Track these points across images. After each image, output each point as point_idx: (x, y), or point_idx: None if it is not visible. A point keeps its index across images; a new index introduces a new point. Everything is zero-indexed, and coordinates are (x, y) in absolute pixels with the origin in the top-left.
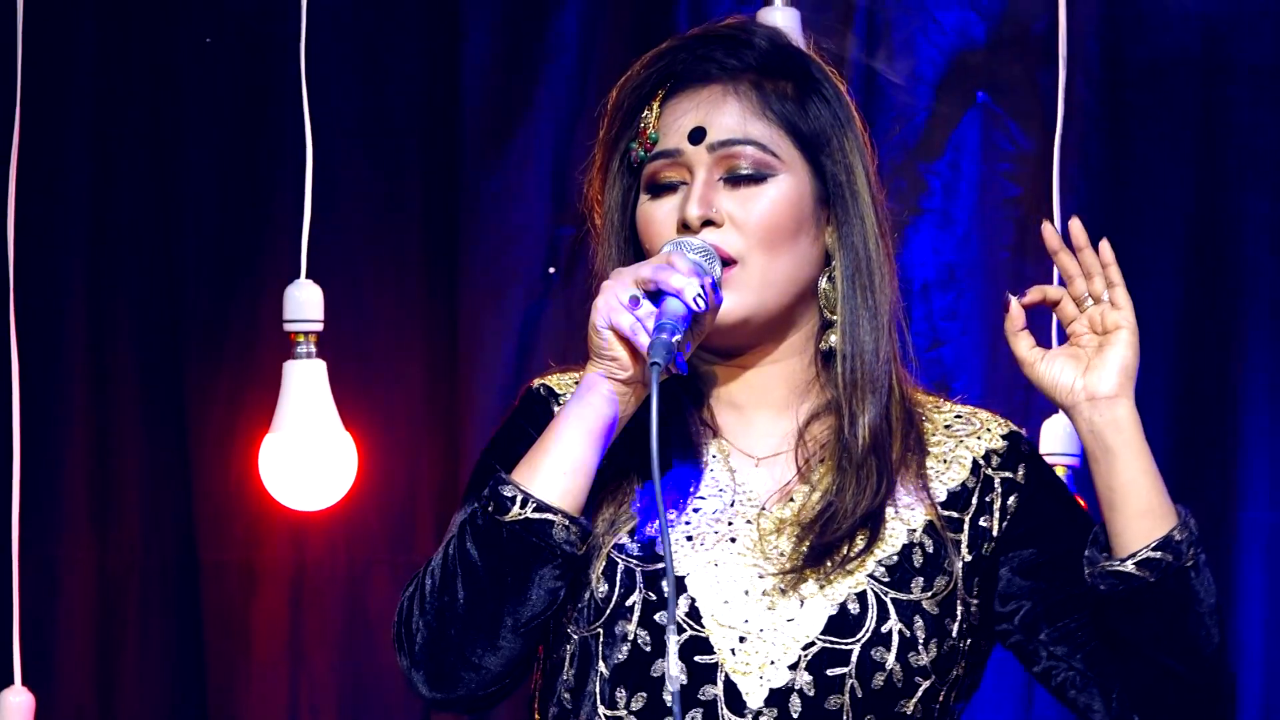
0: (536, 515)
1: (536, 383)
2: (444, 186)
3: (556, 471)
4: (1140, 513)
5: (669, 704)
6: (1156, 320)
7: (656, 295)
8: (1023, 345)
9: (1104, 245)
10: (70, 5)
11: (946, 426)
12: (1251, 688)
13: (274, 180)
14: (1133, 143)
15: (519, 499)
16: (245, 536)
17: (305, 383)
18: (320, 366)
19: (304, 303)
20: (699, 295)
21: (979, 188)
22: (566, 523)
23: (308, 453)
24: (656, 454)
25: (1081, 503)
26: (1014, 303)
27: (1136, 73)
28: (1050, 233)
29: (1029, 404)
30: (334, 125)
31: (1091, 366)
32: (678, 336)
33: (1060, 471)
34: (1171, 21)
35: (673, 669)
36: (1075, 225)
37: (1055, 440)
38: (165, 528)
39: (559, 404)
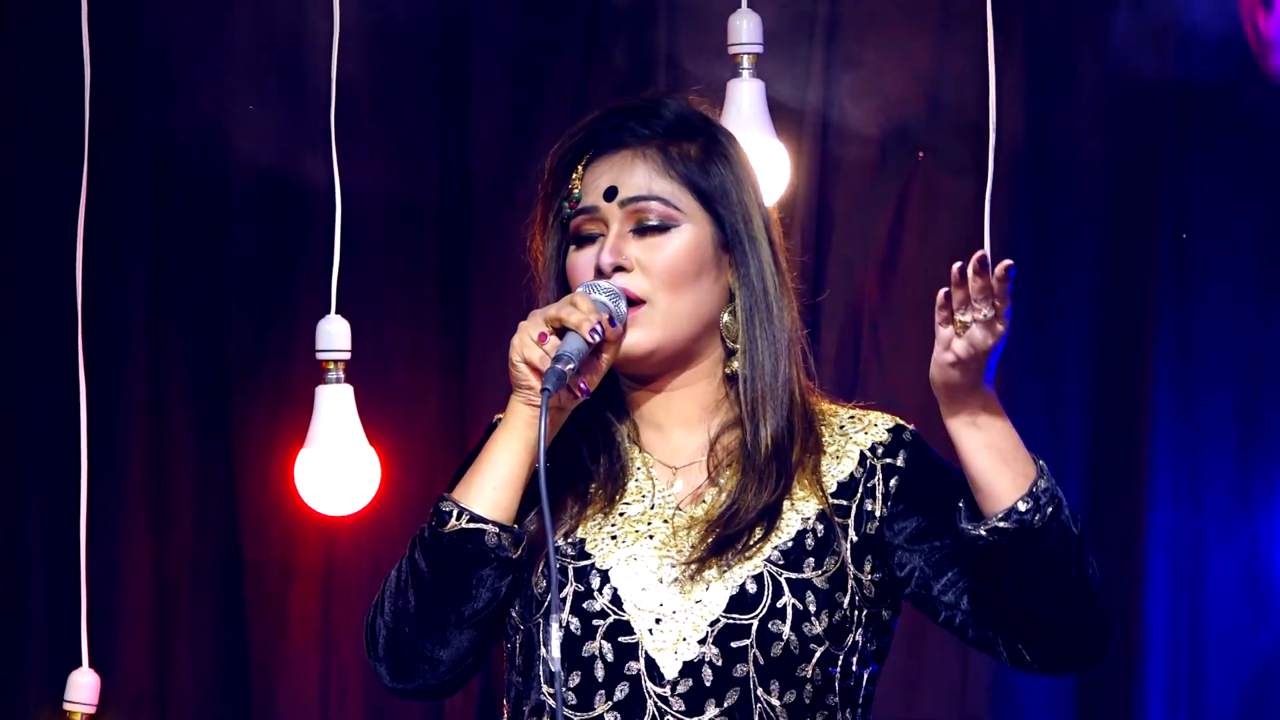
0: (471, 525)
1: (496, 417)
2: (456, 236)
3: (487, 487)
4: (981, 490)
5: (599, 680)
6: (1075, 344)
7: (563, 331)
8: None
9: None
10: (129, 72)
11: (840, 428)
12: (1156, 675)
13: (308, 229)
14: (1053, 194)
15: (455, 512)
16: (283, 538)
17: (335, 405)
18: (348, 391)
19: (334, 335)
20: (594, 330)
21: (921, 234)
22: (497, 530)
23: (337, 465)
24: (544, 467)
25: None
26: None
27: (1056, 133)
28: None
29: None
30: (361, 182)
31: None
32: (571, 365)
33: None
34: (1083, 85)
35: (555, 651)
36: (1001, 267)
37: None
38: (213, 531)
39: None
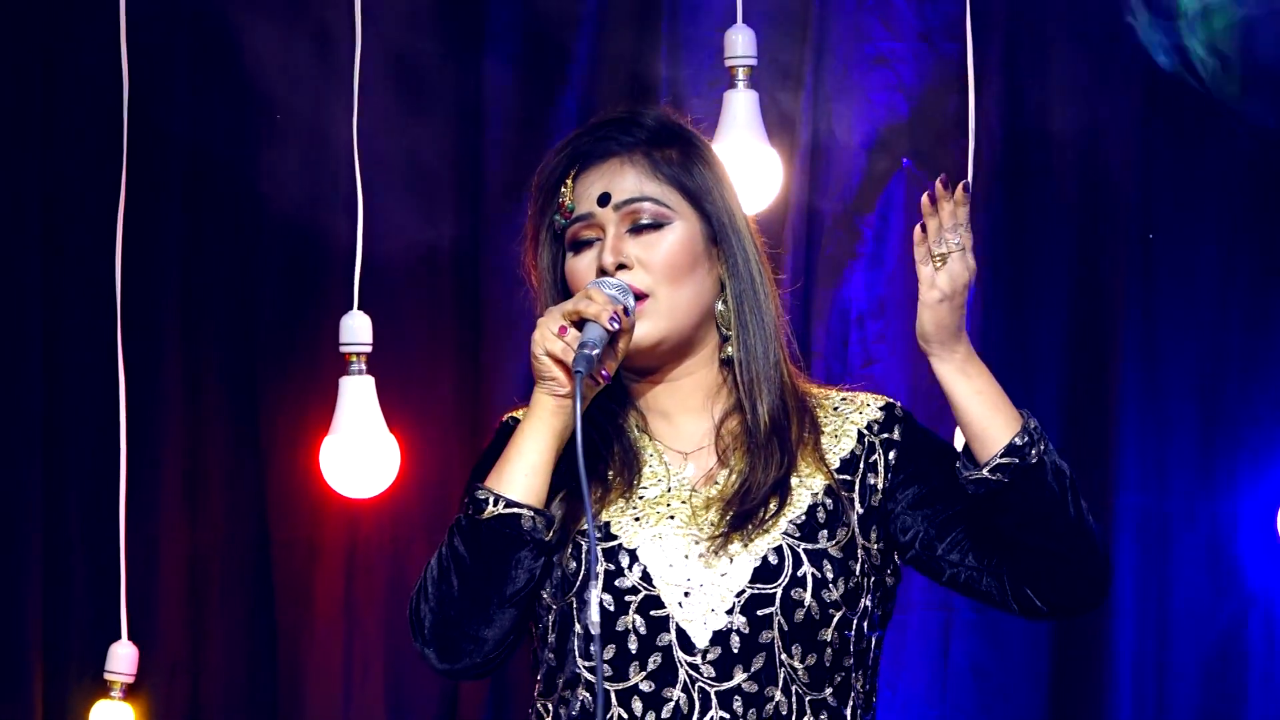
0: (507, 510)
1: (506, 416)
2: (470, 237)
3: (519, 474)
4: (979, 434)
5: (633, 652)
6: (1047, 338)
7: (581, 323)
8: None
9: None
10: (165, 85)
11: (835, 409)
12: (1125, 646)
13: (332, 229)
14: (1028, 197)
15: (491, 499)
16: (309, 519)
17: (357, 394)
18: (369, 381)
19: (356, 329)
20: (612, 318)
21: (904, 235)
22: (532, 514)
23: (359, 451)
24: (582, 446)
25: None
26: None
27: (1030, 142)
28: (939, 192)
29: (944, 411)
30: (381, 184)
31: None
32: (596, 350)
33: None
34: (1057, 97)
35: (594, 615)
36: (959, 190)
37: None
38: (244, 512)
39: None
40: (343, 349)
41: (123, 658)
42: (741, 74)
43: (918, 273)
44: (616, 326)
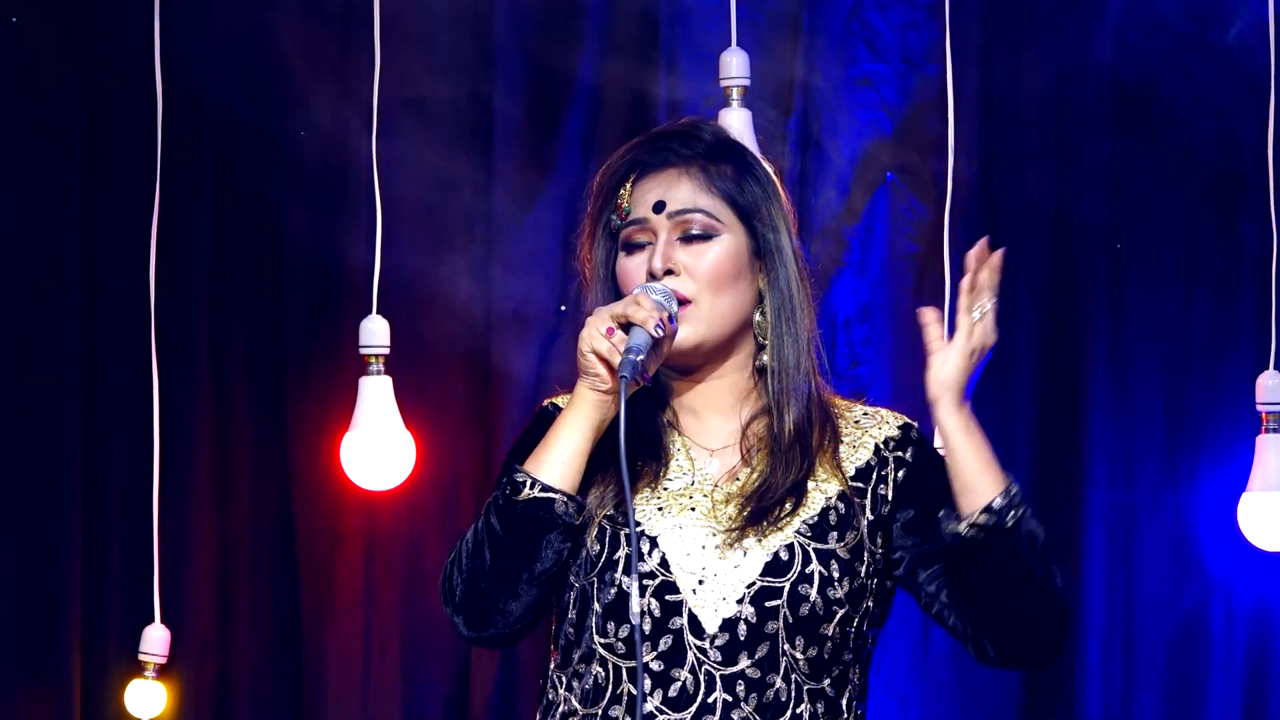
0: (542, 494)
1: (547, 402)
2: (482, 247)
3: (556, 461)
4: (967, 488)
5: (646, 633)
6: (1022, 342)
7: (627, 326)
8: (932, 333)
9: (994, 258)
10: (195, 105)
11: (856, 422)
12: (1094, 630)
13: (352, 238)
14: (1003, 211)
15: (529, 483)
16: (331, 510)
17: (376, 393)
18: (387, 381)
19: (375, 332)
20: (658, 325)
21: (887, 245)
22: (565, 499)
23: (378, 446)
24: (624, 447)
25: None
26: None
27: (1006, 159)
28: (976, 254)
29: (925, 410)
30: (397, 194)
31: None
32: (641, 356)
33: None
34: (1030, 115)
35: (635, 607)
36: (997, 256)
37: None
38: (270, 503)
39: None
40: (362, 351)
41: (156, 639)
42: (736, 94)
43: (958, 321)
44: (661, 334)
